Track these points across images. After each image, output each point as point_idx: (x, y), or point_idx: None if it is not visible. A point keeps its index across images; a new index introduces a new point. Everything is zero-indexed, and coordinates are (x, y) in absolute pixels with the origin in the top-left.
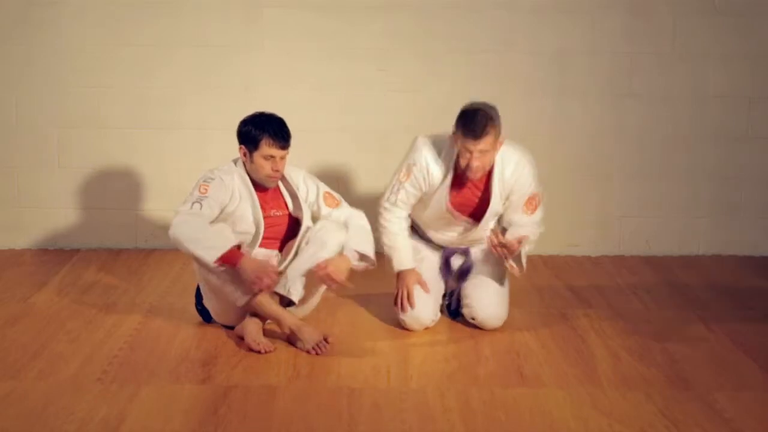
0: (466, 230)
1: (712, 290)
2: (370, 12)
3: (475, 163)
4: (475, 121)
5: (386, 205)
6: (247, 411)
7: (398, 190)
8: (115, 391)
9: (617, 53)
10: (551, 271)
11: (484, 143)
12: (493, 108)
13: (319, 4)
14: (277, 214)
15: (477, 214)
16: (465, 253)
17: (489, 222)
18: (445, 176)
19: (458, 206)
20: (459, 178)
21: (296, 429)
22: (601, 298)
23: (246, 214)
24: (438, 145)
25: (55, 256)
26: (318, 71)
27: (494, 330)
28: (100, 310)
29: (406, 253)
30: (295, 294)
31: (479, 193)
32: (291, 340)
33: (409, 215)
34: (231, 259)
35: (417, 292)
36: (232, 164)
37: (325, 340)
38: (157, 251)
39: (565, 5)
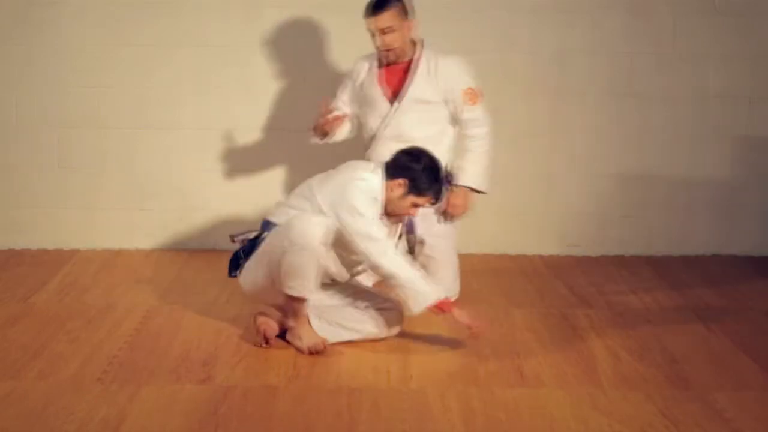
0: (393, 125)
1: (712, 290)
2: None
3: (378, 41)
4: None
5: None
6: (247, 411)
7: (334, 102)
8: (115, 391)
9: (617, 53)
10: (551, 271)
11: (384, 19)
12: None
13: (319, 4)
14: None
15: (401, 94)
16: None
17: (409, 104)
18: (372, 64)
19: (386, 83)
20: (386, 68)
21: (296, 429)
22: (601, 298)
23: None
24: (369, 54)
25: (55, 256)
26: (318, 71)
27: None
28: (100, 310)
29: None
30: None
31: (403, 75)
32: (290, 336)
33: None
34: (444, 306)
35: None
36: (377, 174)
37: (324, 344)
38: (157, 251)
39: (565, 5)
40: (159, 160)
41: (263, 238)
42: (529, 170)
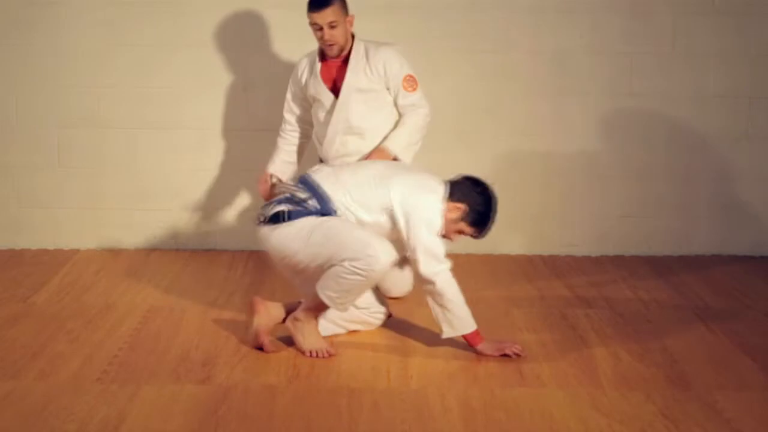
0: (340, 117)
1: (712, 290)
2: (370, 12)
3: (326, 36)
4: None
5: (282, 124)
6: (247, 411)
7: (284, 105)
8: (115, 391)
9: (617, 53)
10: (551, 271)
11: (328, 14)
12: None
13: None
14: None
15: (343, 85)
16: None
17: (350, 95)
18: (313, 61)
19: (326, 80)
20: (325, 61)
21: (296, 429)
22: (601, 298)
23: None
24: (309, 53)
25: (55, 256)
26: None
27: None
28: (100, 310)
29: (274, 159)
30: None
31: (342, 67)
32: (291, 326)
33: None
34: (474, 340)
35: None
36: (444, 190)
37: (328, 352)
38: (157, 251)
39: (565, 5)
40: (159, 160)
41: (312, 212)
42: (529, 170)
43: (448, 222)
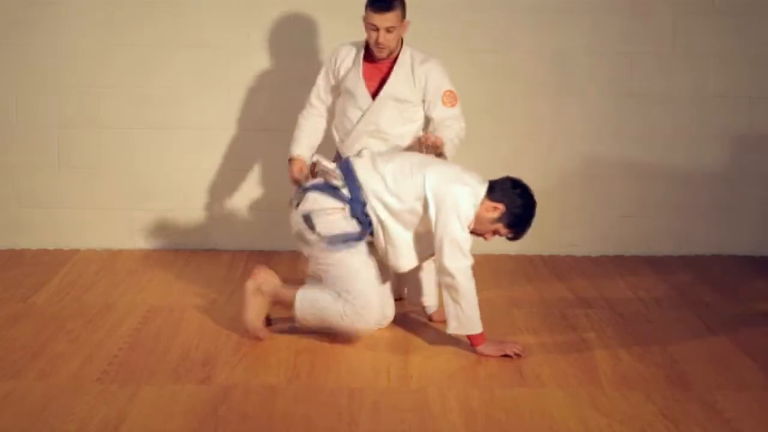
0: (371, 120)
1: (712, 290)
2: None
3: (381, 39)
4: None
5: (305, 104)
6: (247, 411)
7: (313, 89)
8: (115, 391)
9: (617, 53)
10: (551, 271)
11: (389, 18)
12: None
13: (319, 4)
14: None
15: (378, 92)
16: None
17: (386, 101)
18: (357, 55)
19: (368, 79)
20: (370, 59)
21: (296, 429)
22: (601, 298)
23: None
24: (352, 43)
25: (55, 256)
26: (318, 71)
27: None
28: (100, 310)
29: (300, 141)
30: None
31: (386, 71)
32: (247, 298)
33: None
34: (476, 341)
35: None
36: (483, 187)
37: (257, 337)
38: (157, 251)
39: (565, 5)
40: (158, 160)
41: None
42: (529, 170)
43: (484, 221)
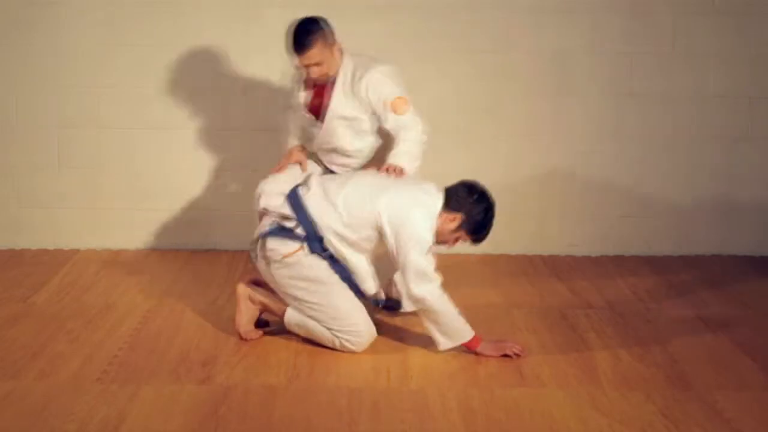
0: (326, 140)
1: (712, 290)
2: (370, 12)
3: (313, 74)
4: (295, 38)
5: (285, 107)
6: (247, 411)
7: (291, 98)
8: (115, 391)
9: (617, 53)
10: (551, 271)
11: (311, 56)
12: (314, 21)
13: (319, 4)
14: None
15: (324, 112)
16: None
17: (333, 121)
18: (305, 88)
19: (312, 109)
20: (316, 88)
21: (296, 429)
22: (601, 298)
23: None
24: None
25: (55, 256)
26: None
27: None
28: (100, 310)
29: (295, 136)
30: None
31: (328, 97)
32: (240, 301)
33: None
34: (472, 345)
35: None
36: (439, 201)
37: (245, 338)
38: (157, 251)
39: (565, 5)
40: (158, 160)
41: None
42: (529, 170)
43: (445, 233)
